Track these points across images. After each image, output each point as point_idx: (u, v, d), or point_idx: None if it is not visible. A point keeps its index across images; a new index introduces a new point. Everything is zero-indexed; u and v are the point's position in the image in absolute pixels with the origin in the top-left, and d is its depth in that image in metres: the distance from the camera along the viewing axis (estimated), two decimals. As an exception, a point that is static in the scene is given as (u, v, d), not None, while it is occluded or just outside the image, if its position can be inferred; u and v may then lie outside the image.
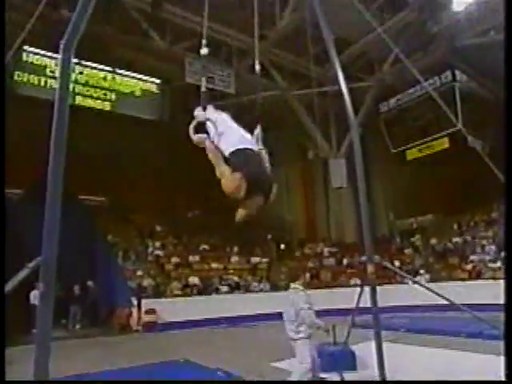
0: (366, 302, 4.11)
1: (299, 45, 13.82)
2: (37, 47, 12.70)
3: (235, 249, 16.55)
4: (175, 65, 14.42)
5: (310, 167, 20.93)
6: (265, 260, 16.42)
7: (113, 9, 12.54)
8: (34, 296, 9.08)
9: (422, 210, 19.88)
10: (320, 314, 4.55)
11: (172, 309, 11.67)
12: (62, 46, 2.58)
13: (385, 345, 3.89)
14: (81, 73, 13.67)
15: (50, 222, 2.48)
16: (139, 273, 13.22)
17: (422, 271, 14.30)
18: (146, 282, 12.70)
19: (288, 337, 4.36)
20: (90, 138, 13.95)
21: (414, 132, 17.58)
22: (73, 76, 12.04)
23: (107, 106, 14.20)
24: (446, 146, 16.44)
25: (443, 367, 5.29)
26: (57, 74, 2.70)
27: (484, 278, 12.69)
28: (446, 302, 4.07)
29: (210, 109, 2.94)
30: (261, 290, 14.12)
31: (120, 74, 14.45)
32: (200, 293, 13.18)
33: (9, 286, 2.36)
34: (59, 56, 2.65)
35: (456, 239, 15.84)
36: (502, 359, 2.47)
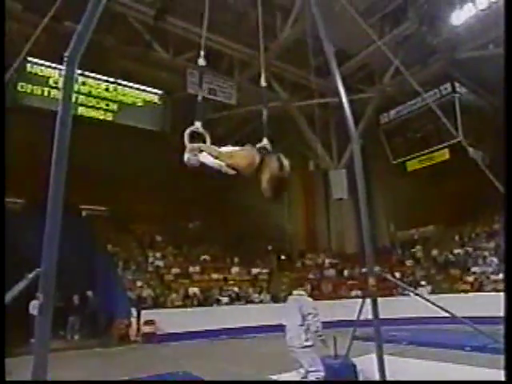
0: (367, 313, 4.08)
1: (300, 57, 13.96)
2: (40, 58, 12.84)
3: (236, 260, 16.49)
4: (177, 76, 14.56)
5: (311, 178, 20.93)
6: (265, 271, 16.34)
7: (116, 21, 12.71)
8: (33, 306, 9.00)
9: (423, 221, 19.83)
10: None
11: (171, 320, 11.58)
12: (65, 59, 2.60)
13: (386, 358, 3.85)
14: (84, 83, 13.79)
15: (50, 233, 2.48)
16: (139, 283, 13.14)
17: (423, 283, 14.20)
18: (146, 293, 12.62)
19: (292, 345, 4.30)
20: (90, 148, 14.00)
21: (415, 143, 17.63)
22: (76, 87, 12.13)
23: (109, 117, 14.29)
24: (447, 157, 16.46)
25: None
26: (60, 85, 2.73)
27: (486, 291, 12.60)
28: (447, 315, 4.04)
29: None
30: (261, 302, 14.02)
31: (122, 85, 14.57)
32: (200, 304, 13.08)
33: (8, 297, 2.34)
34: (63, 67, 2.68)
35: (457, 250, 15.76)
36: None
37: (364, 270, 4.05)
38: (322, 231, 20.99)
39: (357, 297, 13.40)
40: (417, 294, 7.62)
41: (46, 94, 12.98)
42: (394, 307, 11.11)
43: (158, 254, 15.38)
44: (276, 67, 15.51)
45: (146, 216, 16.79)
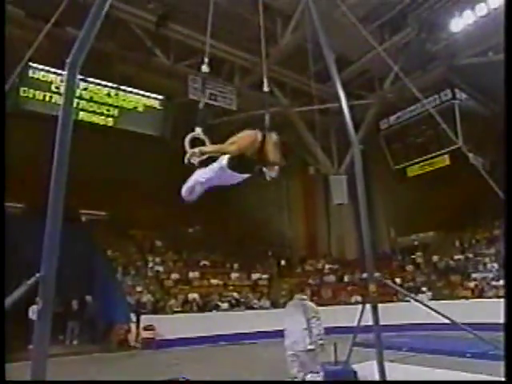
0: (367, 319, 4.07)
1: (301, 62, 14.02)
2: (42, 64, 12.90)
3: (235, 265, 16.45)
4: (178, 81, 14.61)
5: (311, 183, 20.95)
6: (265, 276, 16.30)
7: (118, 27, 12.79)
8: (33, 311, 8.99)
9: (424, 227, 19.79)
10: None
11: (171, 325, 11.53)
12: (67, 65, 2.62)
13: (387, 364, 3.82)
14: (85, 89, 13.85)
15: (50, 238, 2.47)
16: (138, 288, 13.10)
17: (424, 289, 14.15)
18: (145, 298, 12.58)
19: (296, 349, 4.30)
20: (91, 152, 14.03)
21: (415, 149, 17.65)
22: (77, 92, 12.18)
23: (110, 122, 14.33)
24: (447, 162, 16.48)
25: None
26: (62, 90, 2.74)
27: (487, 297, 12.55)
28: (448, 321, 4.02)
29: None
30: (261, 307, 13.96)
31: (123, 91, 14.63)
32: (200, 309, 13.03)
33: (8, 302, 2.34)
34: (65, 73, 2.69)
35: (458, 256, 15.73)
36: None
37: (364, 275, 4.05)
38: (322, 236, 20.95)
39: (357, 303, 13.35)
40: (417, 301, 7.61)
41: (47, 99, 13.02)
42: (394, 313, 11.06)
43: (158, 259, 15.35)
44: (276, 73, 15.57)
45: (145, 221, 16.78)
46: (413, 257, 17.29)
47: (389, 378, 3.76)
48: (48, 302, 2.41)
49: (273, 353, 7.41)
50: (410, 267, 16.57)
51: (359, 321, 4.53)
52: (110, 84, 14.36)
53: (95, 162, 15.12)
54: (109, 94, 14.34)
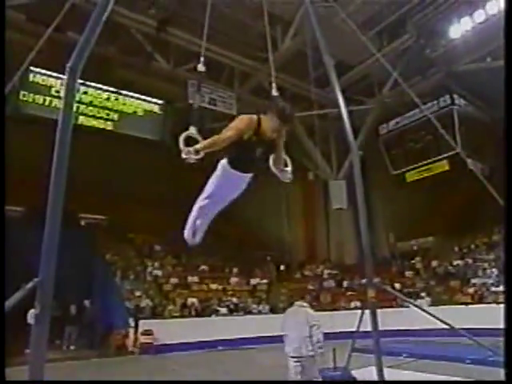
0: (366, 325, 4.05)
1: (300, 68, 14.08)
2: (43, 68, 12.94)
3: (234, 270, 16.40)
4: (178, 86, 14.66)
5: (311, 188, 20.95)
6: (264, 281, 16.25)
7: (118, 31, 12.85)
8: (32, 315, 8.93)
9: (423, 232, 19.78)
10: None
11: (169, 330, 11.48)
12: (67, 69, 2.62)
13: (386, 370, 3.80)
14: (85, 93, 13.89)
15: (49, 242, 2.46)
16: (137, 293, 13.05)
17: (423, 294, 14.12)
18: (144, 303, 12.52)
19: (299, 355, 4.32)
20: (90, 156, 14.04)
21: (414, 154, 17.70)
22: (77, 96, 12.22)
23: (109, 126, 14.35)
24: (446, 168, 16.52)
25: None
26: (62, 95, 2.75)
27: (486, 302, 12.52)
28: (447, 327, 4.01)
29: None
30: (260, 312, 13.91)
31: (123, 95, 14.67)
32: (198, 314, 12.98)
33: (6, 306, 2.32)
34: (65, 77, 2.69)
35: (457, 262, 15.71)
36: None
37: (363, 281, 4.04)
38: (322, 241, 20.92)
39: (356, 308, 13.32)
40: (416, 306, 7.60)
41: (47, 103, 13.05)
42: (393, 319, 11.03)
43: (157, 264, 15.30)
44: (276, 78, 15.59)
45: (144, 225, 16.74)
46: (412, 262, 17.28)
47: (388, 384, 3.75)
48: (46, 307, 2.40)
49: (272, 358, 7.38)
50: (409, 272, 16.54)
51: (358, 326, 4.52)
52: (109, 88, 14.40)
53: (95, 166, 15.12)
54: (109, 99, 14.38)
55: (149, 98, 15.23)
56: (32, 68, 12.60)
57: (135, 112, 14.89)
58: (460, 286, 14.30)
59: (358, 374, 5.55)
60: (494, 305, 11.53)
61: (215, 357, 10.39)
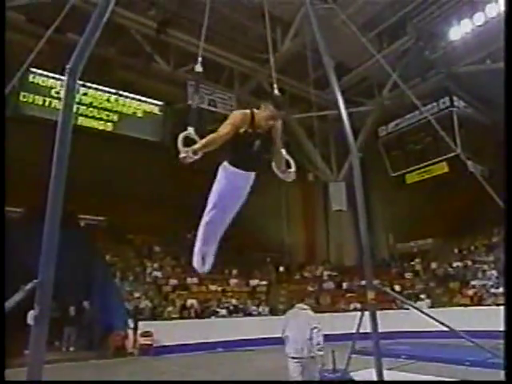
0: (365, 326, 4.04)
1: (300, 69, 14.12)
2: (43, 69, 12.96)
3: (234, 271, 16.38)
4: (178, 87, 14.68)
5: (310, 190, 20.95)
6: (264, 283, 16.23)
7: (118, 33, 12.87)
8: (31, 316, 8.92)
9: (422, 234, 19.78)
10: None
11: (169, 332, 11.45)
12: (67, 70, 2.62)
13: (385, 372, 3.80)
14: (85, 94, 13.90)
15: (48, 243, 2.45)
16: (136, 294, 13.03)
17: (422, 296, 14.11)
18: (144, 304, 12.51)
19: (301, 356, 4.33)
20: (90, 157, 14.04)
21: (414, 156, 17.72)
22: (77, 97, 12.22)
23: (109, 127, 14.36)
24: (446, 170, 16.53)
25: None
26: (61, 96, 2.74)
27: (486, 304, 12.51)
28: (447, 329, 4.00)
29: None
30: (259, 314, 13.89)
31: (123, 96, 14.67)
32: (198, 316, 12.96)
33: (5, 307, 2.32)
34: (65, 78, 2.69)
35: (457, 263, 15.70)
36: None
37: (363, 282, 4.04)
38: (321, 243, 20.92)
39: (355, 310, 13.30)
40: (416, 308, 7.59)
41: (47, 104, 13.06)
42: (393, 321, 11.03)
43: (156, 265, 15.28)
44: (276, 79, 15.66)
45: (144, 226, 16.72)
46: (412, 264, 17.27)
47: (388, 386, 3.74)
48: (45, 308, 2.39)
49: (272, 359, 7.37)
50: (408, 274, 16.53)
51: (358, 328, 4.51)
52: (109, 89, 14.41)
53: (94, 166, 15.11)
54: (108, 100, 14.39)
55: (149, 100, 15.26)
56: (32, 69, 12.63)
57: (135, 113, 14.91)
58: (459, 288, 14.28)
59: (357, 376, 5.54)
60: (493, 307, 11.52)
61: (215, 358, 10.36)
